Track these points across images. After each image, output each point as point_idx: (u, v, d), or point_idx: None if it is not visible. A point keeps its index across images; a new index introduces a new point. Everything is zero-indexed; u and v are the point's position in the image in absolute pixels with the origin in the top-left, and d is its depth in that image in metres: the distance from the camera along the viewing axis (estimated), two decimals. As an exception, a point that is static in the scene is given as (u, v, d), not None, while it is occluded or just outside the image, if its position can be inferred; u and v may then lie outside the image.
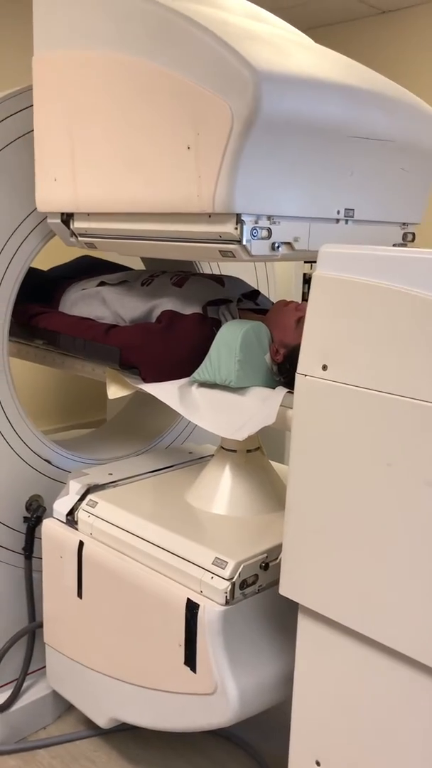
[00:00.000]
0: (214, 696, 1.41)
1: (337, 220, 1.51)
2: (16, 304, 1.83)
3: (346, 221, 1.52)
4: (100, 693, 1.69)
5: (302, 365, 1.21)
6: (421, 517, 1.08)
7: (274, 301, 1.76)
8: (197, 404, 1.55)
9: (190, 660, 1.43)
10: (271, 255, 1.40)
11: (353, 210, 1.53)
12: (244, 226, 1.33)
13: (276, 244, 1.40)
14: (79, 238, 1.70)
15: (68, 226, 1.69)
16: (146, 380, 1.67)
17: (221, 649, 1.39)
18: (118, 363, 1.70)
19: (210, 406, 1.53)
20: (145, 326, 1.73)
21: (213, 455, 1.75)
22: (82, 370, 1.96)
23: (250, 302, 1.84)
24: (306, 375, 1.20)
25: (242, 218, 1.33)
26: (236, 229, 1.33)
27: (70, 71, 1.55)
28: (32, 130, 1.69)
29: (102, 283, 1.99)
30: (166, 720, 1.54)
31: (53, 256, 2.10)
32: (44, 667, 1.89)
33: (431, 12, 3.44)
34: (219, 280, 1.85)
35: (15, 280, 1.81)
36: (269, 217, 1.37)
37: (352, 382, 1.14)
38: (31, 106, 1.69)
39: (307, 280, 2.93)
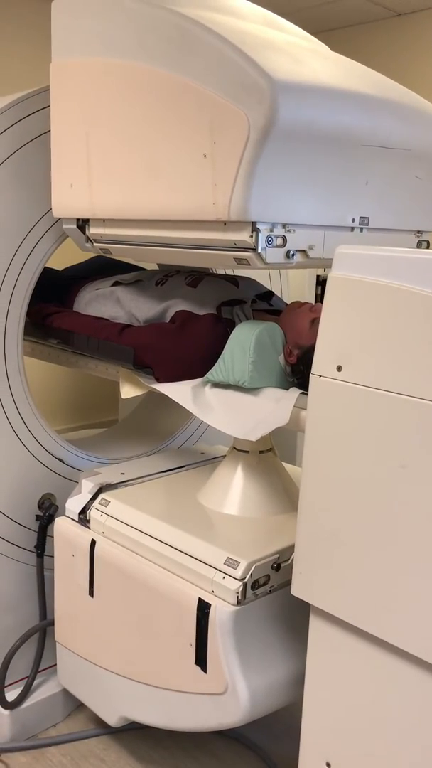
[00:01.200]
0: (225, 696, 1.41)
1: (352, 228, 1.51)
2: (30, 304, 1.84)
3: (361, 229, 1.53)
4: (110, 692, 1.69)
5: (317, 366, 1.21)
6: (435, 519, 1.08)
7: (288, 303, 1.76)
8: (210, 405, 1.55)
9: (201, 660, 1.43)
10: (286, 263, 1.41)
11: (368, 218, 1.53)
12: (260, 234, 1.34)
13: (291, 252, 1.40)
14: (95, 244, 1.71)
15: (84, 232, 1.70)
16: (160, 380, 1.67)
17: (232, 649, 1.39)
18: (132, 363, 1.70)
19: (223, 406, 1.54)
20: (159, 326, 1.74)
21: (225, 456, 1.75)
22: (95, 369, 1.97)
23: (263, 303, 1.85)
24: (320, 376, 1.20)
25: (257, 226, 1.33)
26: (251, 237, 1.34)
27: (88, 78, 1.55)
28: (48, 131, 1.70)
29: (116, 283, 1.99)
30: (176, 719, 1.55)
31: (68, 255, 2.11)
32: (55, 665, 1.89)
33: (447, 15, 3.43)
34: (233, 280, 1.85)
35: (30, 280, 1.82)
36: (284, 225, 1.38)
37: (367, 383, 1.14)
38: (47, 107, 1.70)
39: (320, 282, 2.93)
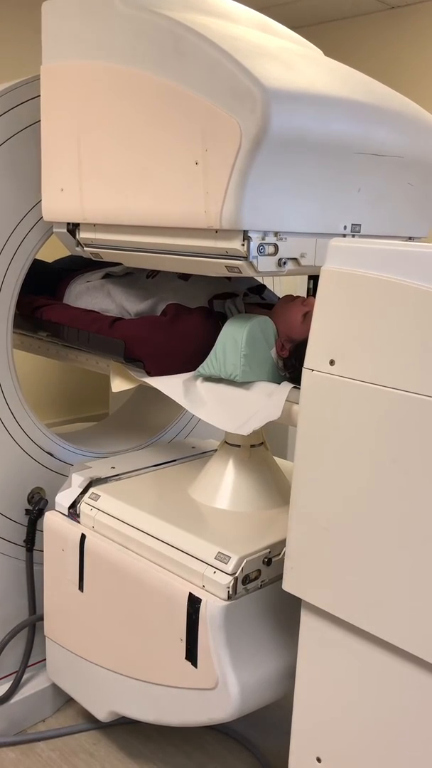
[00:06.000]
0: (215, 691, 1.40)
1: (344, 236, 1.51)
2: (20, 296, 1.83)
3: (353, 236, 1.52)
4: (100, 686, 1.69)
5: (309, 360, 1.20)
6: (427, 515, 1.07)
7: (280, 296, 1.75)
8: (202, 398, 1.54)
9: (192, 655, 1.43)
10: (278, 271, 1.40)
11: (360, 225, 1.53)
12: (251, 243, 1.33)
13: (282, 260, 1.40)
14: (85, 248, 1.69)
15: (74, 236, 1.68)
16: (151, 374, 1.66)
17: (223, 644, 1.38)
18: (123, 356, 1.69)
19: (215, 400, 1.53)
20: (151, 319, 1.72)
21: (216, 450, 1.74)
22: (86, 362, 1.96)
23: (256, 296, 1.84)
24: (313, 370, 1.20)
25: (249, 235, 1.32)
26: (243, 245, 1.33)
27: (80, 82, 1.53)
28: (38, 121, 1.68)
29: (107, 276, 1.98)
30: (166, 714, 1.54)
31: (58, 247, 2.09)
32: (44, 659, 1.89)
33: (442, 8, 3.41)
34: (225, 274, 1.84)
35: (20, 271, 1.80)
36: (276, 234, 1.37)
37: (360, 377, 1.13)
38: (37, 96, 1.68)
39: (312, 276, 2.92)
